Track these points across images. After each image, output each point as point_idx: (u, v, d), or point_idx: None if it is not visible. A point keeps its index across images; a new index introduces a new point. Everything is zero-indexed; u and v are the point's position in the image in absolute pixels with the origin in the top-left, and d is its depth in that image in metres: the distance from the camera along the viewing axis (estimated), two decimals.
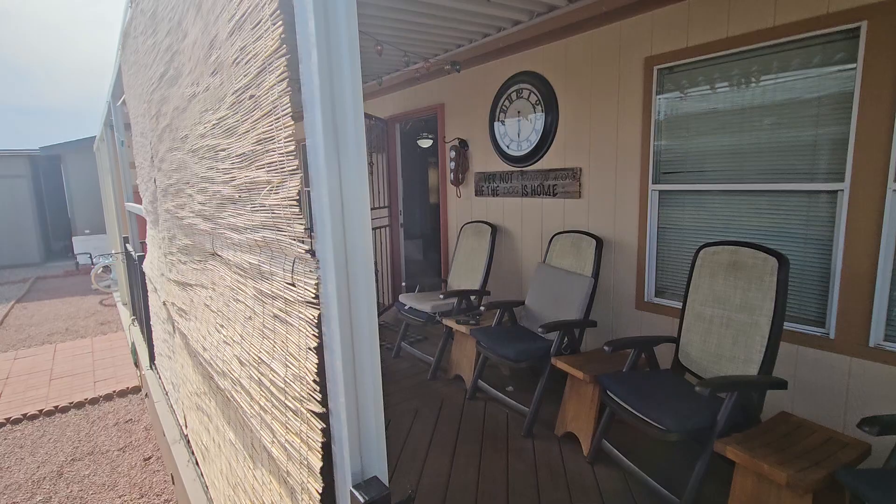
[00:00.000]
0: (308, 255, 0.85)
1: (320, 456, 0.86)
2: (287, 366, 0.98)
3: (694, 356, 2.38)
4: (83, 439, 3.80)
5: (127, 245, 4.51)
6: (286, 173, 0.85)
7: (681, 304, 2.50)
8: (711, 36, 2.49)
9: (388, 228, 5.33)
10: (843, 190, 2.16)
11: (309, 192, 0.81)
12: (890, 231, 2.04)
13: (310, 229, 0.85)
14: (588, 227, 3.27)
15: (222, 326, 1.40)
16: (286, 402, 0.98)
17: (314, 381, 0.87)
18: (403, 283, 4.43)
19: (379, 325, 1.04)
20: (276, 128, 0.85)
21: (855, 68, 2.08)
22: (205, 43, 1.18)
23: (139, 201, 3.18)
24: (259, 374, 1.12)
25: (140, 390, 4.60)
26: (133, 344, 4.69)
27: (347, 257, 0.80)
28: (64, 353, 5.75)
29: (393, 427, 2.91)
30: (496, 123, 3.88)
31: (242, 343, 1.23)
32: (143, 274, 3.32)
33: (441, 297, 3.67)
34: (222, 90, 1.12)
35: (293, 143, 0.81)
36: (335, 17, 0.74)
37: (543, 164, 3.56)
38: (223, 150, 1.19)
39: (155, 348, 3.28)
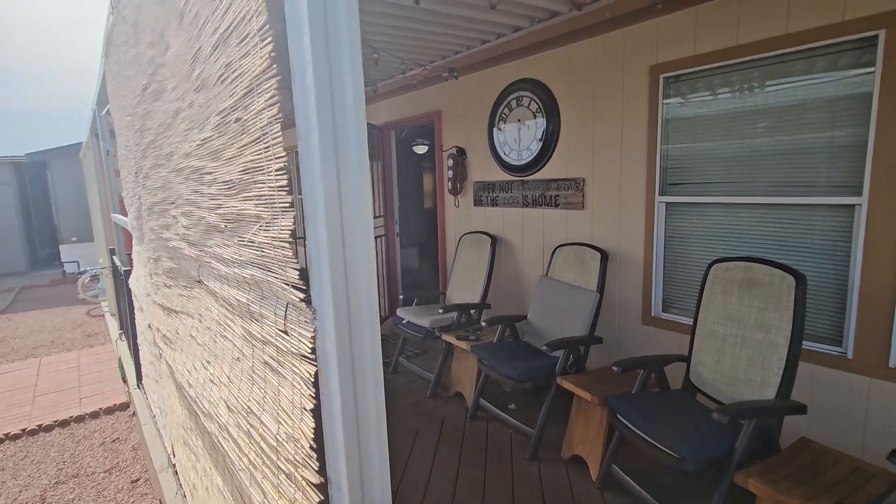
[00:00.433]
0: (303, 304, 0.74)
1: None
2: (280, 422, 0.86)
3: (706, 377, 2.28)
4: (68, 460, 3.63)
5: (114, 257, 4.36)
6: (277, 210, 0.74)
7: (689, 319, 2.41)
8: (721, 44, 2.41)
9: (384, 238, 5.21)
10: (860, 204, 2.07)
11: (304, 232, 0.70)
12: None
13: (305, 273, 0.74)
14: (592, 239, 3.17)
15: (209, 363, 1.28)
16: (279, 463, 0.87)
17: (310, 446, 0.75)
18: (401, 297, 4.31)
19: None
20: (266, 158, 0.74)
21: (873, 79, 2.00)
22: (188, 57, 1.07)
23: (125, 213, 3.05)
24: (249, 426, 1.00)
25: (128, 407, 4.43)
26: (120, 359, 4.53)
27: (350, 309, 0.69)
28: (49, 368, 5.56)
29: (392, 451, 2.78)
30: (495, 132, 3.78)
31: (230, 386, 1.11)
32: (129, 290, 3.17)
33: (440, 311, 3.55)
34: (207, 109, 1.01)
35: (285, 177, 0.70)
36: (336, 30, 0.63)
37: (545, 173, 3.46)
38: (209, 173, 1.08)
39: (142, 368, 3.14)
